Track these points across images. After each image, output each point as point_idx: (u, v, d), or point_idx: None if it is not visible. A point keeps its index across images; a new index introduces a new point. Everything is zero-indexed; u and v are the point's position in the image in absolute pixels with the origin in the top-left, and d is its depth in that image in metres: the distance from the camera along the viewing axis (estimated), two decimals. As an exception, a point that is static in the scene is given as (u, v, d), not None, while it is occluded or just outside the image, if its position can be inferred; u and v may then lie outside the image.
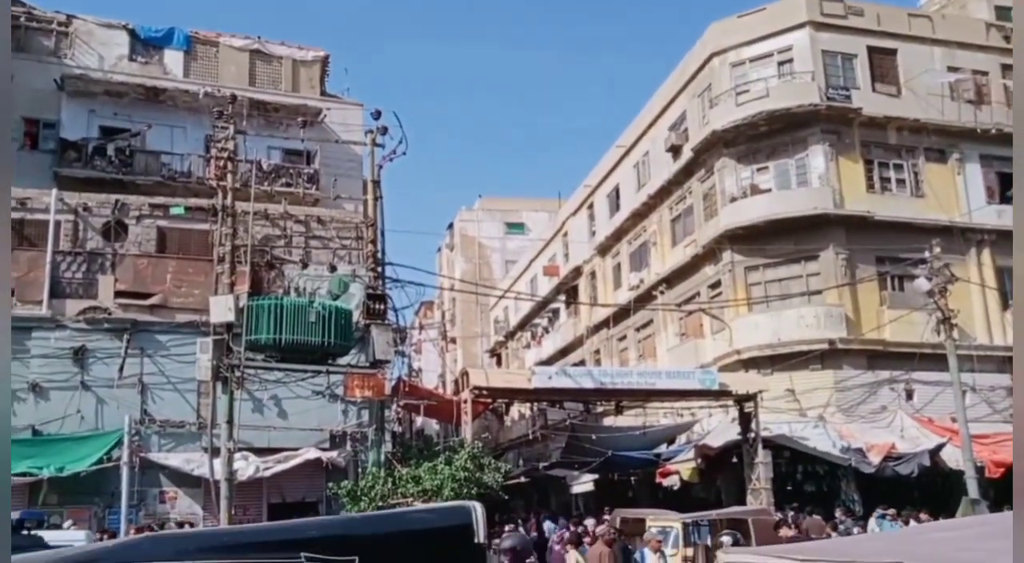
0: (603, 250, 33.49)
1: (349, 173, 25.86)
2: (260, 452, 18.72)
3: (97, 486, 17.61)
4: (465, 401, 18.10)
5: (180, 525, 17.02)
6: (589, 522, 17.76)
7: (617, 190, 32.81)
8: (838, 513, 18.47)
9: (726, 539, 13.61)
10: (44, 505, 16.89)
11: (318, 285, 20.07)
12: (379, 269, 17.78)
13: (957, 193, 24.68)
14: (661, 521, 15.84)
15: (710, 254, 25.33)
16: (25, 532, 9.63)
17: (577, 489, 27.47)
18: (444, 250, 55.40)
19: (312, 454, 19.19)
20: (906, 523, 16.09)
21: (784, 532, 14.72)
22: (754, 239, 23.88)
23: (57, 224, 19.70)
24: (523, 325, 42.56)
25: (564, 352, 36.37)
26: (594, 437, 22.32)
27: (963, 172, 24.95)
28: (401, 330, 23.23)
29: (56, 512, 16.66)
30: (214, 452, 15.76)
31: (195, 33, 27.61)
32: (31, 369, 18.65)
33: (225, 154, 16.50)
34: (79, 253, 19.88)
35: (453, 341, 47.79)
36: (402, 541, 3.11)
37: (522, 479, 28.63)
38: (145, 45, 27.00)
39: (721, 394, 19.70)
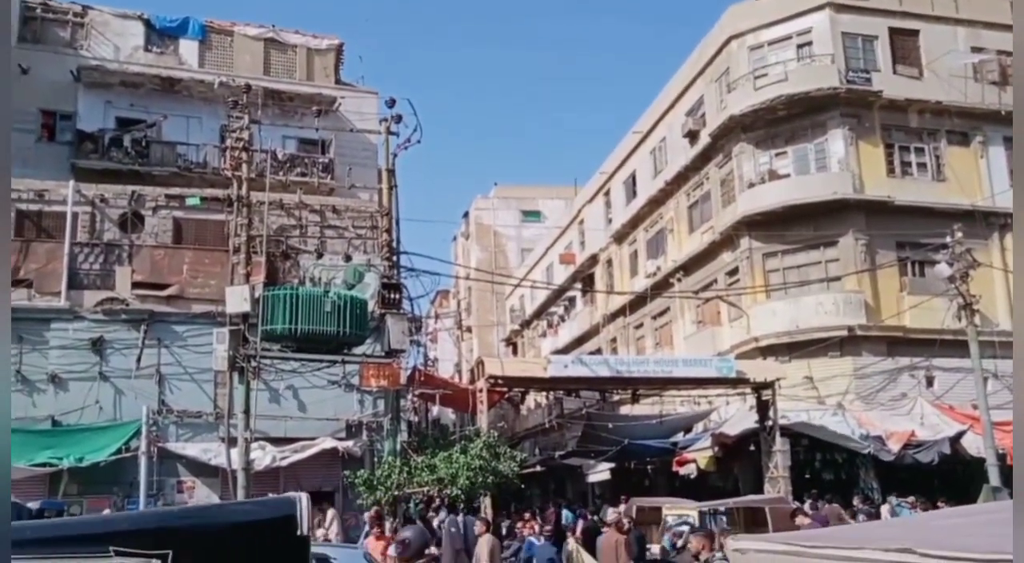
0: (619, 237, 33.28)
1: (364, 162, 25.82)
2: (277, 442, 18.83)
3: (116, 476, 17.74)
4: (481, 390, 18.04)
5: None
6: (610, 512, 17.65)
7: (634, 177, 32.56)
8: (856, 501, 18.31)
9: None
10: (64, 495, 17.14)
11: (333, 275, 20.08)
12: (394, 258, 17.78)
13: (980, 176, 24.25)
14: (677, 510, 15.78)
15: (728, 241, 25.09)
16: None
17: (593, 478, 27.41)
18: (459, 239, 55.26)
19: (328, 444, 19.27)
20: (924, 510, 15.90)
21: (801, 520, 14.59)
22: (772, 225, 23.61)
23: (75, 216, 19.84)
24: (539, 314, 42.44)
25: (580, 341, 36.27)
26: (610, 426, 22.25)
27: (986, 155, 24.49)
28: (416, 319, 23.27)
29: (76, 502, 16.88)
30: (231, 442, 15.88)
31: (210, 22, 27.63)
32: (50, 360, 18.82)
33: (240, 144, 16.48)
34: (96, 244, 20.01)
35: (469, 330, 47.76)
36: (220, 534, 3.05)
37: (538, 468, 28.71)
38: (160, 35, 27.08)
39: (738, 382, 19.53)
